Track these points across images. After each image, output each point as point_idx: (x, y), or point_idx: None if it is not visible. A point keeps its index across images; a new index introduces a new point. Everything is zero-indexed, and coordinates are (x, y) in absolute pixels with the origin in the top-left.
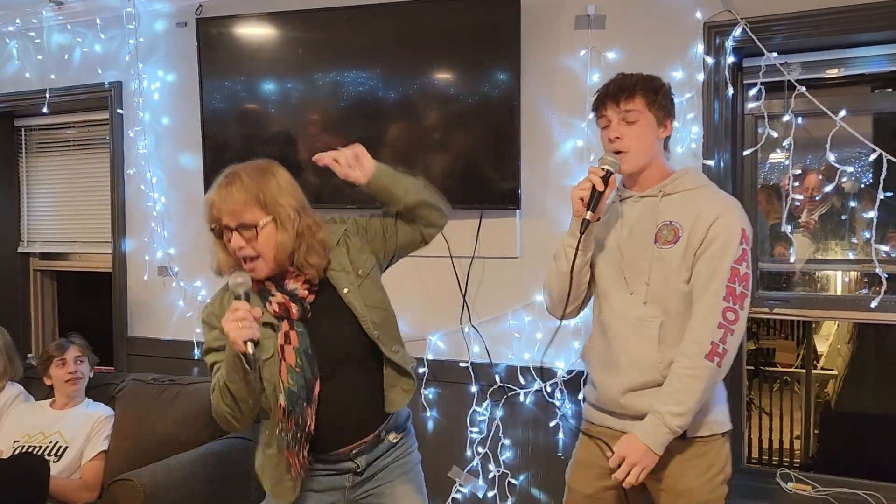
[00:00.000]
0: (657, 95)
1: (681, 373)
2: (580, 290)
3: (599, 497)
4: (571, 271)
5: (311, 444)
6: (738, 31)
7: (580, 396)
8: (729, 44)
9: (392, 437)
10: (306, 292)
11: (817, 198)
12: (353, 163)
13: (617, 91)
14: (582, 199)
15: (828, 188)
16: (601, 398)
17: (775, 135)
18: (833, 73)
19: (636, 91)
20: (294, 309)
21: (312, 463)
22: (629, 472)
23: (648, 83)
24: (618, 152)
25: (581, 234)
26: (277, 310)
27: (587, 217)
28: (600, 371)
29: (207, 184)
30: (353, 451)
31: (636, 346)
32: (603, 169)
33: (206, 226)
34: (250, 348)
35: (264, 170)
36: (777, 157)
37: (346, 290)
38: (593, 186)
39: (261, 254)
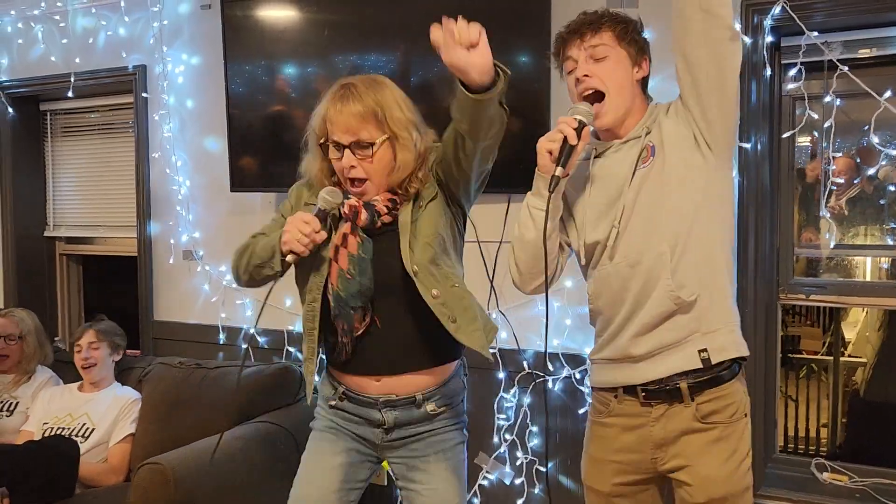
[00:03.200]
0: (627, 28)
1: None
2: (552, 258)
3: (620, 493)
4: (545, 235)
5: (344, 371)
6: (777, 10)
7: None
8: (767, 22)
9: (430, 408)
10: (385, 209)
11: (856, 181)
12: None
13: (579, 26)
14: (550, 153)
15: (871, 171)
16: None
17: (816, 116)
18: (866, 52)
19: (602, 24)
20: (363, 215)
21: (344, 395)
22: None
23: (616, 16)
24: (590, 95)
25: (550, 192)
26: (347, 212)
27: (556, 173)
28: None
29: (233, 167)
30: (381, 401)
31: (647, 289)
32: (575, 119)
33: (311, 141)
34: (290, 258)
35: (377, 81)
36: (803, 140)
37: (402, 218)
38: (564, 138)
39: (371, 175)
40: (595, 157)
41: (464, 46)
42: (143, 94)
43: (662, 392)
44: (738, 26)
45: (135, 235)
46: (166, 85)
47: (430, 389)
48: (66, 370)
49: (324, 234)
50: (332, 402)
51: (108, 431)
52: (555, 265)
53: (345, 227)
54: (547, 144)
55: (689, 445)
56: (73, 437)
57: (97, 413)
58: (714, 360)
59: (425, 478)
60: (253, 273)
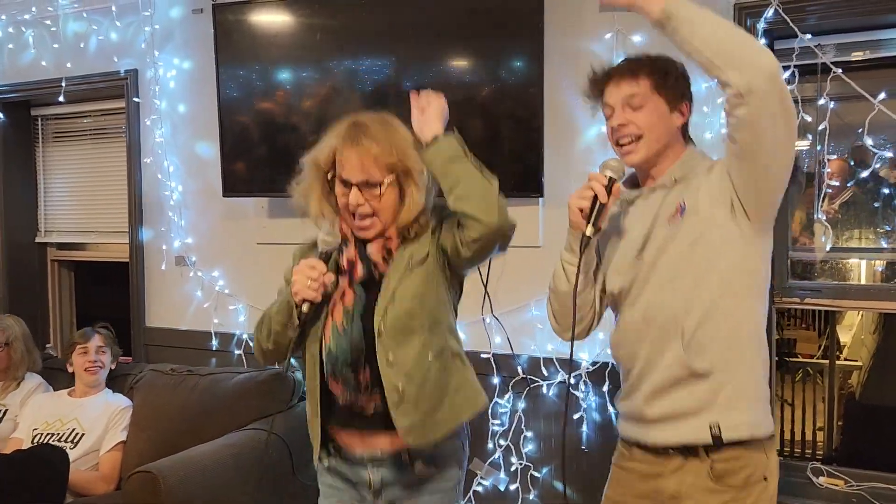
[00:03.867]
0: (666, 76)
1: None
2: (585, 311)
3: None
4: (575, 291)
5: (332, 425)
6: (770, 13)
7: (604, 388)
8: (760, 25)
9: (419, 469)
10: (381, 260)
11: (849, 184)
12: (423, 109)
13: (617, 74)
14: (581, 211)
15: (864, 174)
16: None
17: (809, 119)
18: (858, 55)
19: (640, 72)
20: (360, 269)
21: (334, 454)
22: None
23: (655, 63)
24: (625, 143)
25: (581, 251)
26: (345, 265)
27: (587, 233)
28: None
29: (225, 172)
30: (367, 458)
31: (660, 348)
32: (605, 176)
33: (312, 174)
34: (305, 307)
35: (387, 122)
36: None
37: (391, 272)
38: (595, 196)
39: (379, 212)
40: (627, 205)
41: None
42: (135, 99)
43: (677, 448)
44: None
45: (126, 241)
46: (158, 90)
47: (418, 448)
48: (57, 377)
49: (332, 276)
50: (326, 463)
51: (98, 439)
52: (592, 314)
53: (344, 283)
54: (577, 202)
55: (706, 483)
56: (63, 444)
57: (87, 418)
58: (726, 438)
59: None
60: (277, 339)
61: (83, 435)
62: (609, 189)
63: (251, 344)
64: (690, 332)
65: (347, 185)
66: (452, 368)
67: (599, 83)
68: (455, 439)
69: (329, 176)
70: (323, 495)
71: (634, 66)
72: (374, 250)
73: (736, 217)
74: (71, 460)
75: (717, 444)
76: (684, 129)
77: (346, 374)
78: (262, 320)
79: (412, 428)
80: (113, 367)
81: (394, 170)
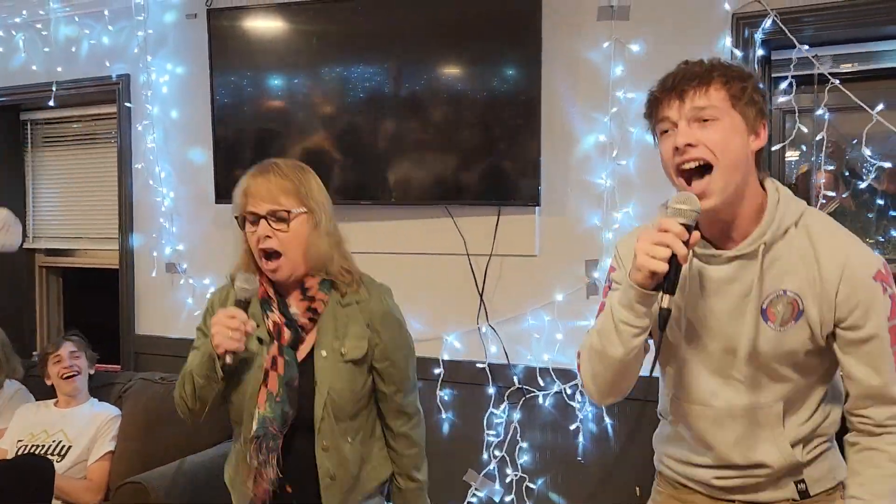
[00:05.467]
0: (745, 85)
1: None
2: (635, 378)
3: None
4: (628, 356)
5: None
6: (767, 23)
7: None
8: (758, 36)
9: None
10: (307, 321)
11: (844, 195)
12: None
13: (683, 81)
14: (653, 273)
15: (862, 185)
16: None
17: (805, 130)
18: (849, 66)
19: (712, 78)
20: (286, 334)
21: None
22: None
23: (730, 69)
24: (693, 174)
25: (661, 329)
26: (271, 328)
27: (664, 305)
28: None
29: (218, 179)
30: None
31: (752, 445)
32: (681, 225)
33: (233, 219)
34: (228, 359)
35: (302, 167)
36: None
37: (323, 353)
38: (673, 255)
39: (286, 250)
40: (698, 260)
41: None
42: (127, 104)
43: None
44: (728, 40)
45: (116, 248)
46: (150, 95)
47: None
48: (41, 386)
49: (253, 323)
50: None
51: (86, 449)
52: (636, 377)
53: (273, 349)
54: (649, 262)
55: None
56: (49, 456)
57: (73, 429)
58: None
59: None
60: (202, 396)
61: (69, 447)
62: (687, 242)
63: None
64: (784, 418)
65: (256, 219)
66: (372, 445)
67: (658, 98)
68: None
69: (237, 214)
70: None
71: (703, 73)
72: (297, 311)
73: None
74: (58, 472)
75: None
76: (758, 156)
77: (274, 441)
78: (182, 379)
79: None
80: (91, 372)
81: (303, 203)
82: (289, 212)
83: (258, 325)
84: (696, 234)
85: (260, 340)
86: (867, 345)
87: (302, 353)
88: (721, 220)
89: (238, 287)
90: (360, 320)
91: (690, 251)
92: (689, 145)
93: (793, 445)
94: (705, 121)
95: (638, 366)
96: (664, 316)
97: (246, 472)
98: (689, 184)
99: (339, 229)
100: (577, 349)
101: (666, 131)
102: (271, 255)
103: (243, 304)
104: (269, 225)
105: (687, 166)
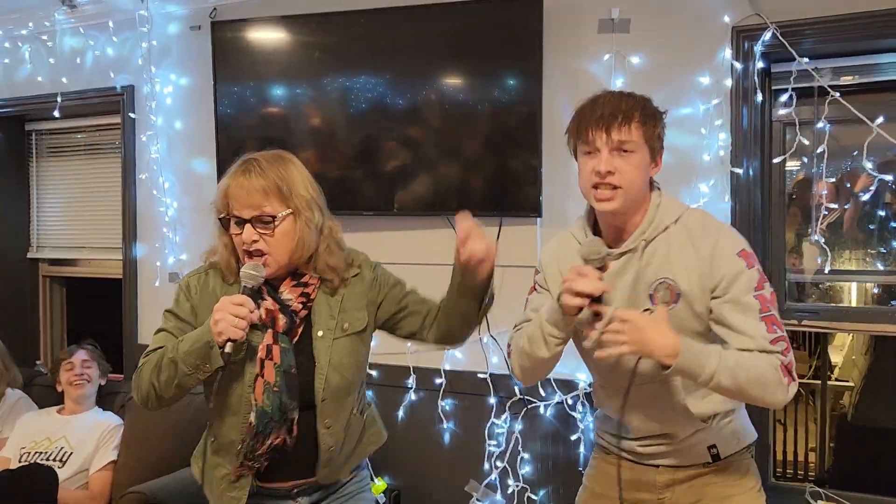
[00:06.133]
0: (657, 125)
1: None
2: (553, 367)
3: None
4: (553, 358)
5: (266, 479)
6: (767, 36)
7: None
8: (758, 48)
9: (344, 477)
10: (300, 306)
11: (847, 206)
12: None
13: (609, 117)
14: (577, 309)
15: (864, 196)
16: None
17: (807, 142)
18: (848, 79)
19: (633, 117)
20: (281, 321)
21: (254, 490)
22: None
23: (647, 108)
24: (603, 189)
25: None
26: (264, 316)
27: (590, 339)
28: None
29: None
30: (295, 490)
31: (661, 413)
32: (595, 268)
33: (214, 217)
34: (228, 348)
35: (283, 158)
36: (791, 165)
37: (319, 333)
38: (591, 298)
39: (272, 250)
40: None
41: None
42: (131, 115)
43: None
44: (728, 52)
45: (120, 257)
46: (154, 105)
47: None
48: (46, 394)
49: (258, 314)
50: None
51: (88, 457)
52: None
53: (267, 337)
54: (571, 299)
55: (702, 486)
56: (51, 462)
57: (76, 436)
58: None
59: None
60: (183, 384)
61: (71, 454)
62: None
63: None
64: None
65: (241, 222)
66: (368, 415)
67: (587, 124)
68: (359, 471)
69: (222, 216)
70: None
71: (627, 111)
72: (290, 296)
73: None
74: (61, 480)
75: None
76: (652, 179)
77: (274, 432)
78: (157, 364)
79: (329, 473)
80: (102, 382)
81: (287, 204)
82: (273, 217)
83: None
84: (608, 266)
85: (255, 331)
86: (736, 312)
87: (294, 336)
88: (615, 226)
89: (245, 274)
90: (356, 291)
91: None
92: (609, 172)
93: (704, 419)
94: (624, 151)
95: (556, 360)
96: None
97: (224, 471)
98: (596, 191)
99: (329, 218)
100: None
101: (589, 153)
102: (259, 254)
103: (249, 292)
104: (255, 229)
105: (601, 187)
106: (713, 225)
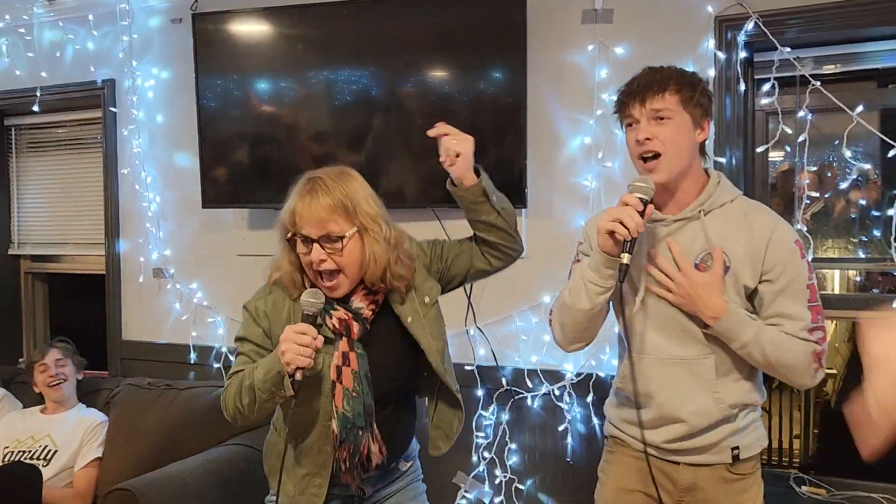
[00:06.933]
0: (694, 91)
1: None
2: (596, 330)
3: None
4: (593, 311)
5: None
6: (750, 25)
7: (589, 399)
8: (741, 38)
9: (402, 466)
10: (370, 313)
11: (827, 195)
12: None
13: (644, 87)
14: (612, 234)
15: (843, 184)
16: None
17: (789, 131)
18: (831, 68)
19: (668, 85)
20: (356, 328)
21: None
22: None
23: (682, 77)
24: (649, 158)
25: (620, 281)
26: (337, 326)
27: (624, 261)
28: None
29: (204, 183)
30: (362, 479)
31: (690, 395)
32: (639, 199)
33: (279, 236)
34: (298, 375)
35: (346, 174)
36: (774, 155)
37: (409, 319)
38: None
39: (343, 267)
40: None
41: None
42: (112, 109)
43: None
44: (711, 42)
45: (103, 253)
46: (136, 99)
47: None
48: (30, 392)
49: (322, 339)
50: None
51: (72, 455)
52: (599, 328)
53: (342, 345)
54: (609, 225)
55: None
56: (35, 461)
57: (60, 434)
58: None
59: None
60: (264, 408)
61: (56, 452)
62: (643, 213)
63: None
64: (715, 377)
65: (308, 241)
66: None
67: (623, 101)
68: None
69: (289, 236)
70: None
71: (661, 81)
72: (363, 305)
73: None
74: (46, 478)
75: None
76: (703, 146)
77: (357, 438)
78: (239, 388)
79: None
80: (80, 377)
81: (353, 221)
82: (341, 237)
83: (322, 327)
84: (650, 208)
85: (326, 341)
86: (786, 298)
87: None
88: (667, 191)
89: (305, 302)
90: (420, 267)
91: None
92: (647, 139)
93: (731, 407)
94: (661, 119)
95: (600, 321)
96: (624, 269)
97: (315, 467)
98: (645, 164)
99: (394, 227)
100: (560, 350)
101: (630, 125)
102: (330, 273)
103: (311, 319)
104: (322, 248)
105: (646, 155)
106: (772, 213)
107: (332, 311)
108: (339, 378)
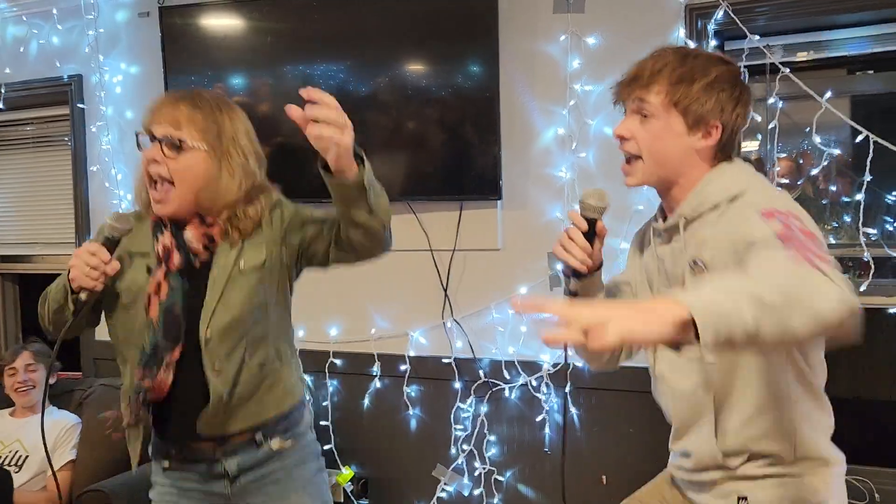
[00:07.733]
0: (690, 87)
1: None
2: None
3: None
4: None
5: (165, 430)
6: (720, 14)
7: (567, 390)
8: (711, 27)
9: (275, 444)
10: (201, 247)
11: (799, 182)
12: (339, 129)
13: (634, 76)
14: (566, 265)
15: (814, 171)
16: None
17: (759, 119)
18: (804, 55)
19: (657, 79)
20: (175, 258)
21: (175, 456)
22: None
23: (681, 68)
24: (630, 157)
25: (573, 294)
26: (160, 252)
27: (572, 288)
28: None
29: None
30: (218, 452)
31: (696, 428)
32: (585, 218)
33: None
34: (83, 296)
35: (227, 104)
36: (747, 146)
37: (215, 271)
38: (592, 227)
39: (175, 179)
40: (657, 239)
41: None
42: (80, 105)
43: None
44: (682, 31)
45: (73, 252)
46: (104, 95)
47: (267, 427)
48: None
49: (116, 265)
50: (165, 465)
51: (44, 458)
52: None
53: (159, 273)
54: (561, 253)
55: None
56: (6, 467)
57: (31, 438)
58: None
59: None
60: (55, 320)
61: (27, 457)
62: (592, 232)
63: None
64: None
65: (153, 140)
66: (275, 374)
67: (614, 88)
68: (300, 409)
69: (138, 132)
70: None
71: (655, 71)
72: (192, 236)
73: None
74: (17, 484)
75: None
76: (716, 150)
77: (151, 374)
78: (45, 294)
79: (213, 425)
80: (52, 381)
81: (207, 140)
82: (182, 141)
83: (147, 252)
84: (601, 225)
85: (149, 270)
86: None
87: (194, 278)
88: (664, 197)
89: (109, 224)
90: (262, 232)
91: (652, 218)
92: (623, 138)
93: (729, 454)
94: (644, 115)
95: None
96: (571, 294)
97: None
98: (627, 162)
99: (264, 176)
100: (536, 341)
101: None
102: (161, 181)
103: (109, 243)
104: (161, 150)
105: (624, 155)
106: (756, 196)
107: (159, 236)
108: (148, 305)
